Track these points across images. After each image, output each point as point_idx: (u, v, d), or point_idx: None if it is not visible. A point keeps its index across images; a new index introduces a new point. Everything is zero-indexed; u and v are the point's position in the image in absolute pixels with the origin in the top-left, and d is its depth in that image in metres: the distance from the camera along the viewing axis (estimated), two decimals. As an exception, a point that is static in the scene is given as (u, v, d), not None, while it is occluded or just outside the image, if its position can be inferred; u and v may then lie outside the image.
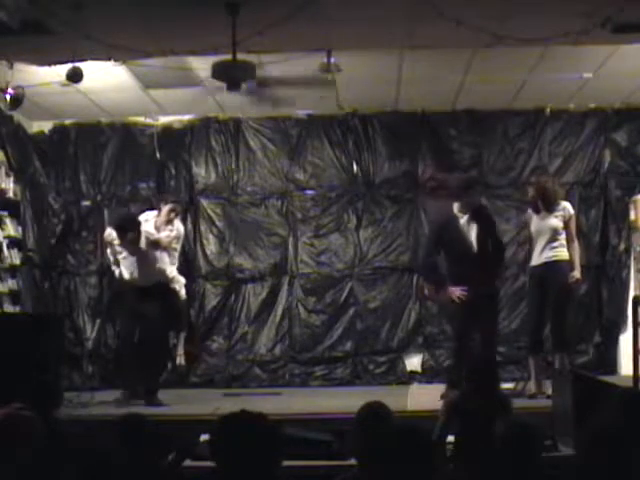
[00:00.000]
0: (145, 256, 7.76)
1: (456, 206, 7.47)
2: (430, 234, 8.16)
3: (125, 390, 7.86)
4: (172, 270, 8.25)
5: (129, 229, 7.72)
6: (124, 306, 8.32)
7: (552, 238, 7.59)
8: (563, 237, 7.62)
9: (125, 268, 8.05)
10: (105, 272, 9.73)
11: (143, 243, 7.77)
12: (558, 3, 6.37)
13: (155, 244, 7.88)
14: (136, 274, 7.88)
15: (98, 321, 9.67)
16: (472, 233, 7.39)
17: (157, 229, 8.13)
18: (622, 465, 3.15)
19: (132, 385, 7.85)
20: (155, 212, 8.41)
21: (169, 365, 8.75)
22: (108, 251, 8.55)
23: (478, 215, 7.49)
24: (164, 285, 7.98)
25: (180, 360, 8.49)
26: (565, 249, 7.61)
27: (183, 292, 8.51)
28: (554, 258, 7.59)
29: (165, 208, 8.35)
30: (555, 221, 7.60)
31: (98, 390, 8.74)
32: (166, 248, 8.08)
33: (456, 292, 7.30)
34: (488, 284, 7.40)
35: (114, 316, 9.37)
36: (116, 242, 8.07)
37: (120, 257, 8.12)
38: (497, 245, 7.65)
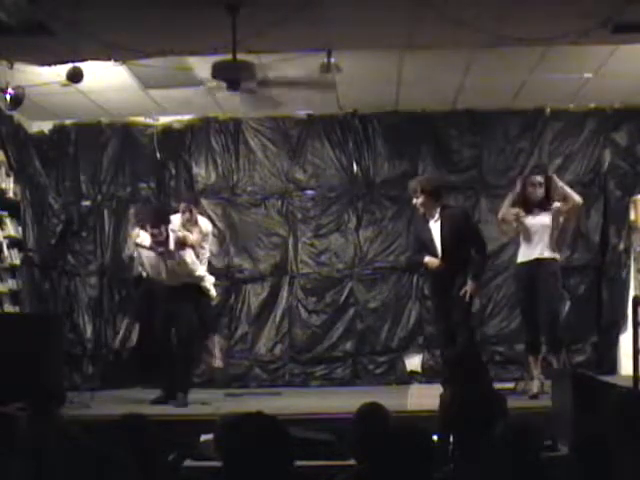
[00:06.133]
0: (173, 256, 7.74)
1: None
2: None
3: (164, 390, 7.81)
4: (202, 270, 8.16)
5: (163, 222, 7.70)
6: (156, 306, 8.17)
7: (543, 236, 7.62)
8: (553, 235, 7.66)
9: (149, 268, 7.97)
10: (105, 272, 9.76)
11: (171, 244, 7.72)
12: (558, 3, 6.38)
13: (182, 244, 7.82)
14: (163, 274, 7.83)
15: (98, 321, 9.68)
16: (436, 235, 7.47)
17: (185, 229, 8.05)
18: (620, 465, 3.15)
19: (171, 385, 7.80)
20: (179, 214, 8.24)
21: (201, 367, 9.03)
22: (135, 252, 8.25)
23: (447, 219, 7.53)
24: (194, 285, 7.97)
25: (217, 363, 8.36)
26: (554, 249, 7.64)
27: (213, 291, 8.39)
28: (544, 255, 7.61)
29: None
30: (547, 219, 7.64)
31: (98, 390, 8.74)
32: (194, 247, 7.98)
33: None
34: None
35: (144, 315, 9.17)
36: (142, 241, 7.87)
37: (144, 256, 7.96)
38: (478, 245, 7.66)
